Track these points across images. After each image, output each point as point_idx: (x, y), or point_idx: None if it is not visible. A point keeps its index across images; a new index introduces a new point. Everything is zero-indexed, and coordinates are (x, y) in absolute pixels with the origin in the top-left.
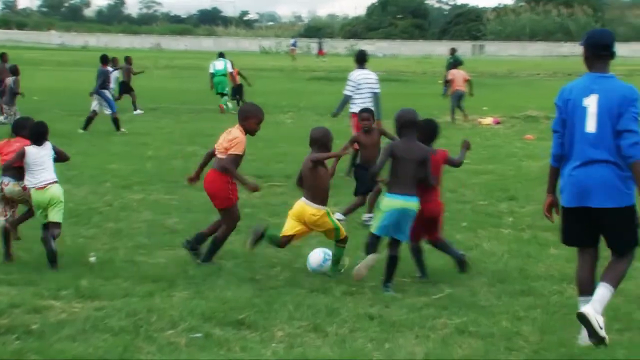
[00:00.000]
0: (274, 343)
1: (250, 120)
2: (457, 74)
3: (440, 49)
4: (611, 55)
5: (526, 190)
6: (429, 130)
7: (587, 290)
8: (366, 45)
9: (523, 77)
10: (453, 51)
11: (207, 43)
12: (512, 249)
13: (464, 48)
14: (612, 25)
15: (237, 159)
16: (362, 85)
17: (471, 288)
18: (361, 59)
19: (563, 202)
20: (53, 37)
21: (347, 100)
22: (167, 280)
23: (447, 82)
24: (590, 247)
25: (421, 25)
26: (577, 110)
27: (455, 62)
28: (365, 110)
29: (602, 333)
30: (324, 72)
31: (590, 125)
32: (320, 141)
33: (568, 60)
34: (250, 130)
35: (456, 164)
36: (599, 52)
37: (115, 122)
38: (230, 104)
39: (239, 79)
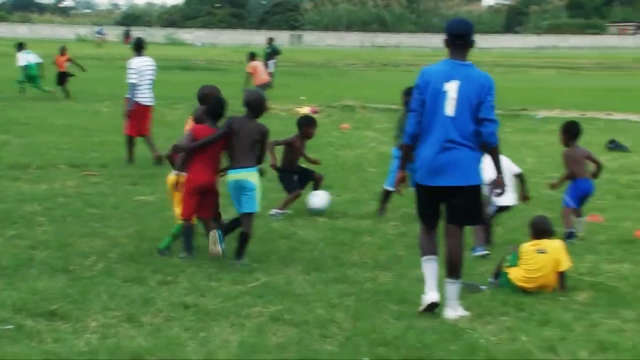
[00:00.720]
0: (88, 334)
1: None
2: (260, 66)
3: (258, 38)
4: (468, 44)
5: (342, 179)
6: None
7: (430, 251)
8: (185, 34)
9: (340, 67)
10: (270, 40)
11: (22, 30)
12: (327, 237)
13: (282, 38)
14: (426, 16)
15: None
16: (144, 72)
17: (287, 276)
18: (139, 47)
19: (419, 180)
20: None
21: (134, 87)
22: None
23: (250, 75)
24: (436, 220)
25: (239, 14)
26: (437, 93)
27: (273, 52)
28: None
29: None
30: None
31: (450, 109)
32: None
33: (384, 51)
34: None
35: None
36: (454, 41)
37: None
38: (48, 88)
39: (66, 66)
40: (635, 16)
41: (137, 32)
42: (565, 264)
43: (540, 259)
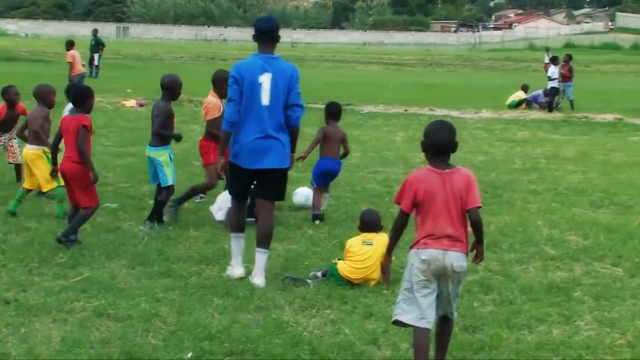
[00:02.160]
0: None
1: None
2: (77, 56)
3: (84, 30)
4: (274, 39)
5: None
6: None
7: (238, 229)
8: (8, 25)
9: (167, 60)
10: (95, 32)
11: None
12: (152, 231)
13: (109, 30)
14: (253, 11)
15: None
16: None
17: (111, 270)
18: None
19: (241, 164)
20: None
21: None
22: None
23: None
24: (246, 197)
25: (64, 5)
26: (253, 85)
27: (97, 44)
28: None
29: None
30: None
31: (265, 99)
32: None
33: (211, 45)
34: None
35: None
36: (261, 37)
37: None
38: None
39: None
40: (457, 14)
41: None
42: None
43: (366, 251)
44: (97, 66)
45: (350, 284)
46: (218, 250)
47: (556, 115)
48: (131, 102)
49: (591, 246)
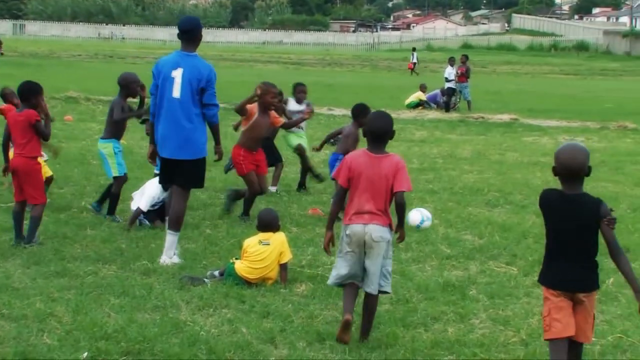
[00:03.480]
0: None
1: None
2: None
3: None
4: (193, 38)
5: (65, 171)
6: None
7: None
8: None
9: (65, 58)
10: None
11: None
12: (48, 229)
13: (5, 27)
14: (151, 9)
15: None
16: None
17: (5, 270)
18: None
19: (159, 152)
20: None
21: None
22: None
23: None
24: (170, 184)
25: None
26: (166, 79)
27: None
28: None
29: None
30: None
31: (176, 92)
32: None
33: (109, 43)
34: None
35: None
36: (182, 36)
37: None
38: None
39: None
40: (356, 14)
41: None
42: (287, 256)
43: (263, 251)
44: None
45: (248, 283)
46: (115, 249)
47: (453, 115)
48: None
49: (486, 245)
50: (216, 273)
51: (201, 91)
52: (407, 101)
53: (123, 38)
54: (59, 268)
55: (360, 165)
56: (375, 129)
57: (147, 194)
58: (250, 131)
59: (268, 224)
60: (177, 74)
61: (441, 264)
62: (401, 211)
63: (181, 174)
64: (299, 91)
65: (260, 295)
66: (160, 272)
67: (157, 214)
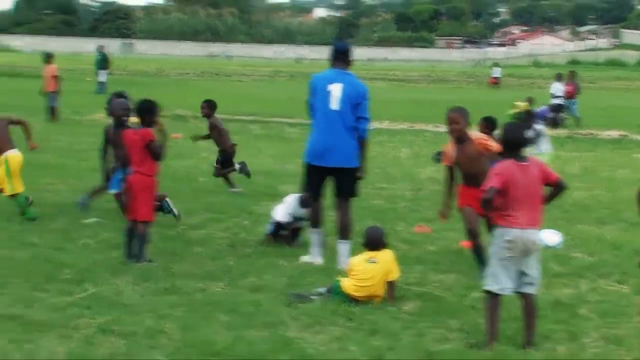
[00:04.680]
0: None
1: None
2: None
3: (89, 45)
4: (346, 59)
5: (174, 189)
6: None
7: (317, 225)
8: (14, 41)
9: (172, 76)
10: (101, 48)
11: None
12: (157, 247)
13: (114, 46)
14: (258, 27)
15: None
16: None
17: (116, 287)
18: None
19: (311, 162)
20: None
21: None
22: None
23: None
24: (320, 193)
25: (70, 21)
26: (323, 93)
27: (103, 60)
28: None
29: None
30: None
31: (334, 105)
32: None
33: (216, 61)
34: None
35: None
36: (337, 55)
37: None
38: None
39: None
40: (462, 30)
41: None
42: (395, 274)
43: (370, 269)
44: (102, 82)
45: (355, 300)
46: (223, 266)
47: (561, 131)
48: (134, 119)
49: (597, 263)
50: (323, 290)
51: (356, 105)
52: (512, 111)
53: (231, 56)
54: (168, 285)
55: (513, 174)
56: (515, 138)
57: (284, 205)
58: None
59: (375, 242)
60: (335, 89)
61: (551, 281)
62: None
63: (345, 183)
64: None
65: (368, 312)
66: (268, 289)
67: (292, 234)
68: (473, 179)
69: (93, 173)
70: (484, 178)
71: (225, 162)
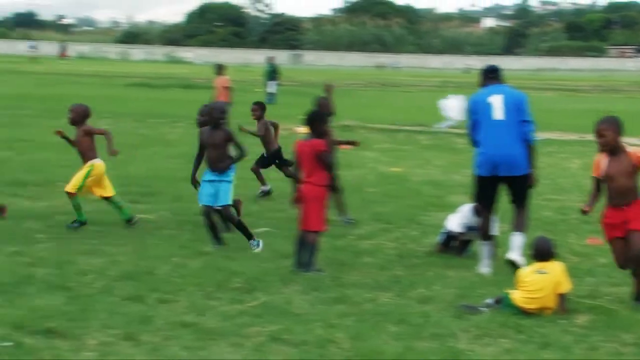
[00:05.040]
0: (86, 352)
1: None
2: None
3: (258, 57)
4: (499, 77)
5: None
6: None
7: (487, 237)
8: (185, 53)
9: (340, 87)
10: (271, 60)
11: (22, 46)
12: (326, 256)
13: (283, 57)
14: (426, 38)
15: None
16: None
17: (286, 296)
18: None
19: (482, 173)
20: None
21: None
22: None
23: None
24: (494, 204)
25: (240, 33)
26: (485, 105)
27: (273, 71)
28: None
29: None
30: (144, 79)
31: (498, 115)
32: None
33: (384, 71)
34: None
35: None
36: (489, 75)
37: None
38: None
39: None
40: (635, 39)
41: (137, 50)
42: (566, 286)
43: (540, 280)
44: (272, 93)
45: (525, 313)
46: (391, 277)
47: None
48: (304, 129)
49: None
50: (492, 301)
51: (518, 112)
52: None
53: (398, 67)
54: (338, 294)
55: None
56: None
57: (459, 215)
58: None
59: (544, 253)
60: (495, 100)
61: None
62: None
63: (519, 190)
64: None
65: (539, 325)
66: (437, 301)
67: (462, 245)
68: (621, 195)
69: (257, 182)
70: (633, 196)
71: (268, 164)
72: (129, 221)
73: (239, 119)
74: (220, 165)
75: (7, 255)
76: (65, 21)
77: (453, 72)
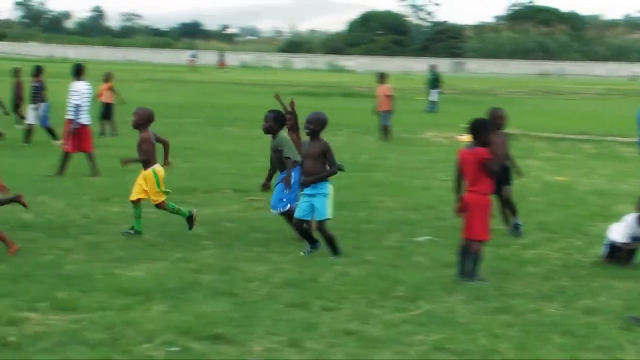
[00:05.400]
0: (252, 358)
1: None
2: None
3: (419, 65)
4: None
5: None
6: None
7: None
8: (346, 61)
9: (503, 95)
10: (433, 67)
11: (185, 56)
12: (490, 266)
13: (444, 65)
14: (591, 45)
15: None
16: (84, 95)
17: (449, 305)
18: (79, 72)
19: None
20: (33, 49)
21: (79, 108)
22: (144, 293)
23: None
24: None
25: (401, 41)
26: None
27: (435, 79)
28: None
29: None
30: (306, 87)
31: None
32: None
33: (547, 79)
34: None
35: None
36: None
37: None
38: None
39: (109, 96)
40: None
41: (299, 59)
42: None
43: None
44: (434, 101)
45: None
46: (556, 287)
47: None
48: (466, 137)
49: None
50: None
51: None
52: None
53: (562, 74)
54: (501, 304)
55: None
56: None
57: (623, 224)
58: None
59: None
60: None
61: None
62: None
63: None
64: None
65: None
66: (604, 312)
67: (627, 255)
68: None
69: (424, 191)
70: None
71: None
72: (136, 232)
73: (401, 127)
74: (309, 178)
75: (173, 262)
76: (229, 31)
77: (618, 80)
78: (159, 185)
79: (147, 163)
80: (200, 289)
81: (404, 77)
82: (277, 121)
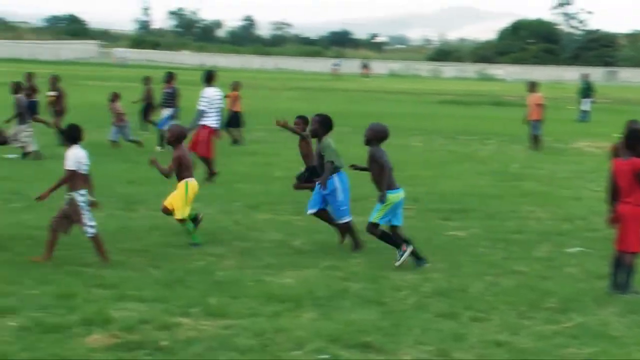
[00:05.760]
0: None
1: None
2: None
3: (570, 74)
4: None
5: None
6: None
7: None
8: (496, 70)
9: None
10: (586, 76)
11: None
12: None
13: (596, 74)
14: None
15: None
16: (214, 101)
17: (601, 318)
18: (210, 79)
19: None
20: (185, 57)
21: (201, 114)
22: (294, 300)
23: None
24: None
25: (553, 50)
26: None
27: (588, 88)
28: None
29: None
30: (454, 96)
31: None
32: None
33: None
34: None
35: None
36: None
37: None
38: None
39: (235, 104)
40: None
41: (448, 68)
42: None
43: None
44: (586, 111)
45: None
46: None
47: None
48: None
49: None
50: None
51: None
52: None
53: None
54: None
55: None
56: None
57: None
58: None
59: None
60: None
61: None
62: None
63: None
64: None
65: None
66: None
67: None
68: None
69: (575, 201)
70: None
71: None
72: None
73: (552, 136)
74: (379, 186)
75: (322, 269)
76: (378, 39)
77: None
78: (186, 200)
79: (180, 176)
80: (349, 297)
81: (555, 86)
82: (322, 125)
